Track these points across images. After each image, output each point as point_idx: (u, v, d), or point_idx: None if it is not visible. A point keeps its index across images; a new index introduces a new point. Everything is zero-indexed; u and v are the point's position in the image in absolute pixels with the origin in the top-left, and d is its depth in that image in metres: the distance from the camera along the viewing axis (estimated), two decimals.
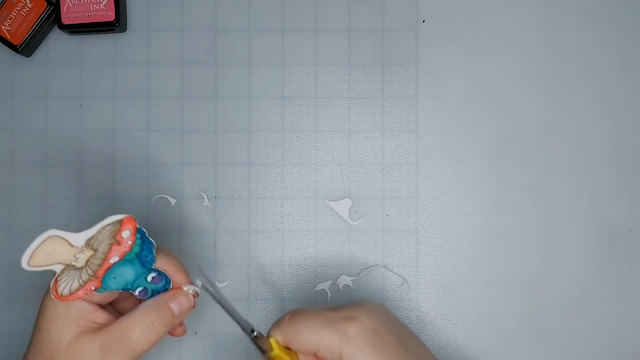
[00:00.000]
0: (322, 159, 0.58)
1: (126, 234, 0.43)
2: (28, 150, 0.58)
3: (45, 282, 0.43)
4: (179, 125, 0.58)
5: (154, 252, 0.44)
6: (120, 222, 0.42)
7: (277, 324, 0.44)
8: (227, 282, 0.57)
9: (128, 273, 0.44)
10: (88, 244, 0.42)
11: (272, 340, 0.43)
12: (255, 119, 0.58)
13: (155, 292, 0.45)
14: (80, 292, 0.43)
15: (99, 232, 0.42)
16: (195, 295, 0.46)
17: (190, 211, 0.57)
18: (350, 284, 0.57)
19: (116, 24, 0.56)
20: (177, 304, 0.44)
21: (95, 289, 0.43)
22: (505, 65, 0.58)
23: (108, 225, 0.42)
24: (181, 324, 0.47)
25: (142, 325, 0.43)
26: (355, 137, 0.58)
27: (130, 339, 0.42)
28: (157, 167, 0.58)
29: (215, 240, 0.57)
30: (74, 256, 0.42)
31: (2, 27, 0.56)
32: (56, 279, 0.42)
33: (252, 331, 0.43)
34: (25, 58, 0.58)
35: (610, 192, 0.58)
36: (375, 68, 0.58)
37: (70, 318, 0.43)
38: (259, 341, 0.43)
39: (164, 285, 0.45)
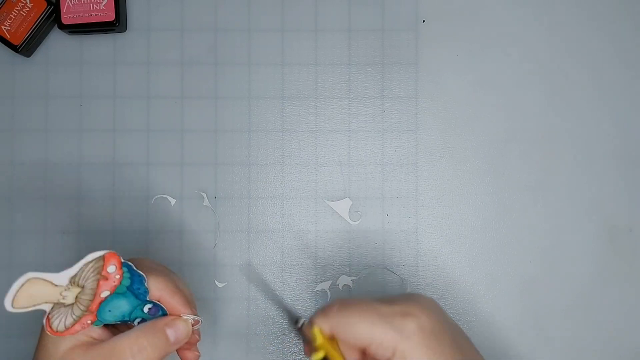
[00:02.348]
0: (322, 159, 0.58)
1: (111, 269, 0.42)
2: (28, 151, 0.58)
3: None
4: (179, 125, 0.58)
5: (145, 284, 0.44)
6: (103, 258, 0.42)
7: (324, 312, 0.42)
8: (227, 282, 0.57)
9: (123, 305, 0.43)
10: (72, 281, 0.41)
11: (316, 330, 0.42)
12: (255, 119, 0.58)
13: None
14: (77, 327, 0.42)
15: (82, 269, 0.41)
16: (195, 323, 0.45)
17: (190, 211, 0.57)
18: (350, 284, 0.57)
19: (116, 24, 0.56)
20: (174, 330, 0.43)
21: (92, 323, 0.43)
22: (505, 65, 0.58)
23: (90, 262, 0.41)
24: (194, 349, 0.46)
25: (133, 349, 0.41)
26: (355, 137, 0.58)
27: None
28: (157, 167, 0.58)
29: (215, 240, 0.57)
30: (61, 294, 0.41)
31: (2, 27, 0.56)
32: (48, 316, 0.41)
33: (297, 322, 0.42)
34: (25, 58, 0.58)
35: (610, 192, 0.58)
36: (375, 68, 0.58)
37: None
38: (303, 331, 0.42)
39: (161, 317, 0.45)
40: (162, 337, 0.42)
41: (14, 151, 0.58)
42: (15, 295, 0.40)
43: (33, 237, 0.57)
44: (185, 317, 0.45)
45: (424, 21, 0.58)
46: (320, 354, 0.41)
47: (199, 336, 0.47)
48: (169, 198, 0.58)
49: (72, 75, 0.58)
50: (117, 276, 0.42)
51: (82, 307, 0.42)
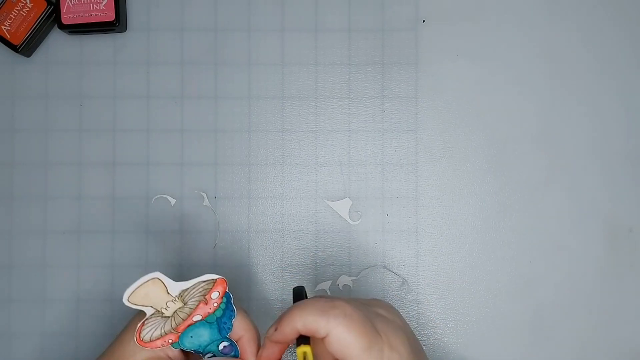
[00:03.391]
0: (322, 159, 0.58)
1: (215, 295, 0.44)
2: (28, 150, 0.58)
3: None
4: (179, 125, 0.58)
5: (232, 321, 0.45)
6: (214, 282, 0.44)
7: (332, 315, 0.42)
8: None
9: (204, 335, 0.45)
10: (181, 295, 0.43)
11: (303, 350, 0.43)
12: (255, 119, 0.58)
13: None
14: (159, 342, 0.44)
15: (194, 286, 0.43)
16: None
17: (190, 211, 0.57)
18: (350, 284, 0.57)
19: (116, 24, 0.56)
20: None
21: (171, 343, 0.45)
22: (505, 65, 0.58)
23: (203, 282, 0.43)
24: None
25: None
26: (355, 137, 0.58)
27: None
28: (157, 167, 0.58)
29: (215, 240, 0.57)
30: (166, 304, 0.43)
31: (2, 27, 0.56)
32: (143, 322, 0.43)
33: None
34: (25, 58, 0.58)
35: (610, 192, 0.58)
36: (375, 68, 0.58)
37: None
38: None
39: (232, 357, 0.46)
40: None
41: (14, 151, 0.58)
42: (135, 290, 0.41)
43: (33, 237, 0.57)
44: None
45: (424, 21, 0.58)
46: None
47: None
48: (169, 198, 0.58)
49: (72, 75, 0.58)
50: (215, 304, 0.44)
51: (173, 324, 0.44)
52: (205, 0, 0.58)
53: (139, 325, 0.43)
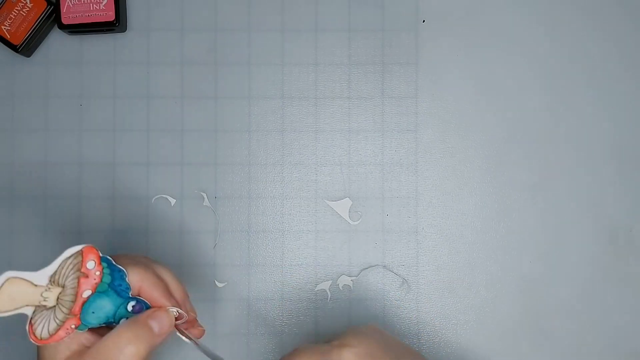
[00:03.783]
0: (322, 159, 0.58)
1: (91, 264, 0.41)
2: (28, 150, 0.58)
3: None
4: (179, 125, 0.58)
5: (126, 279, 0.42)
6: (81, 252, 0.40)
7: None
8: (227, 282, 0.57)
9: (106, 305, 0.42)
10: (52, 280, 0.40)
11: None
12: (255, 119, 0.58)
13: None
14: (61, 332, 0.41)
15: (60, 266, 0.40)
16: (179, 317, 0.44)
17: (190, 211, 0.57)
18: (350, 284, 0.57)
19: (116, 24, 0.56)
20: (157, 321, 0.42)
21: (76, 327, 0.41)
22: (505, 65, 0.58)
23: (68, 258, 0.40)
24: (197, 325, 0.46)
25: (119, 345, 0.40)
26: (355, 137, 0.58)
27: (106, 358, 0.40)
28: (157, 167, 0.58)
29: (215, 240, 0.57)
30: (41, 295, 0.40)
31: (2, 27, 0.56)
32: (30, 322, 0.40)
33: None
34: (25, 58, 0.58)
35: (610, 192, 0.58)
36: (375, 68, 0.58)
37: (59, 342, 0.41)
38: None
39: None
40: (145, 329, 0.41)
41: (14, 151, 0.58)
42: None
43: (33, 237, 0.57)
44: (170, 309, 0.43)
45: (424, 21, 0.58)
46: None
47: (195, 312, 0.46)
48: (169, 198, 0.58)
49: (72, 75, 0.58)
50: (97, 272, 0.41)
51: (64, 310, 0.41)
52: (205, 0, 0.58)
53: (27, 326, 0.40)
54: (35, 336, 0.40)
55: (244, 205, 0.58)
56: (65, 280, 0.40)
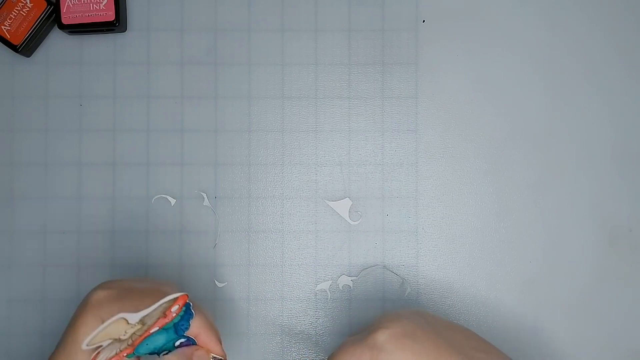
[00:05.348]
0: (322, 159, 0.58)
1: (175, 308, 0.43)
2: (28, 150, 0.58)
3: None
4: (179, 125, 0.58)
5: (190, 322, 0.44)
6: (175, 299, 0.42)
7: None
8: (226, 283, 0.57)
9: (160, 339, 0.44)
10: (141, 320, 0.42)
11: None
12: (255, 119, 0.58)
13: None
14: (115, 358, 0.42)
15: (155, 309, 0.42)
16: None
17: (190, 211, 0.57)
18: (350, 284, 0.57)
19: (116, 24, 0.56)
20: (199, 359, 0.45)
21: (126, 355, 0.43)
22: (505, 65, 0.58)
23: (164, 303, 0.42)
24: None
25: None
26: (355, 137, 0.58)
27: None
28: (157, 167, 0.58)
29: (215, 240, 0.57)
30: (125, 332, 0.42)
31: (2, 27, 0.56)
32: (98, 352, 0.42)
33: None
34: (25, 58, 0.58)
35: (610, 192, 0.57)
36: (375, 68, 0.58)
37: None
38: None
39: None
40: None
41: (14, 151, 0.58)
42: (97, 334, 0.40)
43: (33, 237, 0.57)
44: (212, 357, 0.45)
45: (424, 21, 0.58)
46: None
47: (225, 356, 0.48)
48: (169, 198, 0.58)
49: (72, 75, 0.58)
50: (174, 314, 0.43)
51: (130, 342, 0.42)
52: (205, 0, 0.58)
53: (93, 355, 0.42)
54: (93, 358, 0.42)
55: (244, 205, 0.58)
56: (149, 320, 0.42)
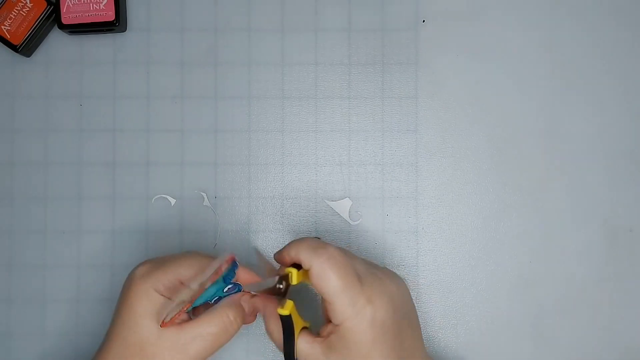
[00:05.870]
0: (322, 159, 0.58)
1: (225, 266, 0.47)
2: (28, 150, 0.58)
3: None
4: (179, 125, 0.58)
5: (235, 271, 0.48)
6: (225, 259, 0.47)
7: (315, 252, 0.45)
8: None
9: (212, 290, 0.47)
10: (200, 283, 0.46)
11: (292, 270, 0.46)
12: (255, 119, 0.58)
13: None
14: (177, 316, 0.46)
15: (209, 270, 0.46)
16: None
17: (190, 211, 0.57)
18: None
19: (116, 24, 0.56)
20: (248, 303, 0.49)
21: (186, 309, 0.46)
22: (505, 65, 0.58)
23: (216, 263, 0.46)
24: (253, 313, 0.51)
25: (222, 320, 0.47)
26: (355, 137, 0.58)
27: (210, 333, 0.47)
28: (157, 167, 0.58)
29: (215, 240, 0.57)
30: (184, 293, 0.46)
31: (2, 27, 0.56)
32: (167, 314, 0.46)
33: (280, 284, 0.47)
34: (25, 58, 0.58)
35: (610, 192, 0.57)
36: (375, 68, 0.58)
37: (157, 313, 0.46)
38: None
39: (235, 292, 0.49)
40: (241, 308, 0.49)
41: (14, 151, 0.58)
42: (172, 309, 0.45)
43: (33, 237, 0.57)
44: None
45: (424, 21, 0.58)
46: (287, 310, 0.46)
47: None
48: (169, 198, 0.58)
49: (72, 75, 0.58)
50: (224, 269, 0.47)
51: (187, 296, 0.46)
52: (205, 0, 0.58)
53: (160, 319, 0.45)
54: (163, 322, 0.46)
55: (244, 205, 0.58)
56: (203, 278, 0.46)
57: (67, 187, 0.57)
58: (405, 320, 0.47)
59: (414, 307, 0.49)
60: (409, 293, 0.48)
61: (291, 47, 0.58)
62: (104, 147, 0.58)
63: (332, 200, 0.58)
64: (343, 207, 0.58)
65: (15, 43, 0.56)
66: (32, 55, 0.58)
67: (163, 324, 0.45)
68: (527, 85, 0.58)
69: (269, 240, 0.57)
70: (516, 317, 0.57)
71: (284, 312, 0.46)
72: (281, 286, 0.47)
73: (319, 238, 0.50)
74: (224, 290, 0.48)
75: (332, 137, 0.58)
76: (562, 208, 0.57)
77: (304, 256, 0.46)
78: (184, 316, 0.48)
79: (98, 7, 0.56)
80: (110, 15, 0.56)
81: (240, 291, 0.49)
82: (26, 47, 0.56)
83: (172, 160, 0.58)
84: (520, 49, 0.58)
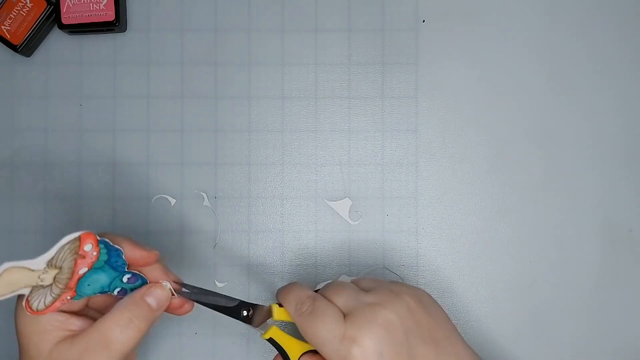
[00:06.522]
0: (322, 159, 0.58)
1: (88, 247, 0.42)
2: (28, 150, 0.58)
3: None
4: (179, 125, 0.58)
5: (122, 256, 0.44)
6: (79, 238, 0.42)
7: (290, 297, 0.45)
8: (227, 282, 0.57)
9: (102, 279, 0.44)
10: (50, 264, 0.42)
11: (274, 306, 0.46)
12: (255, 119, 0.58)
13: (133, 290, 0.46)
14: (57, 303, 0.43)
15: (58, 252, 0.42)
16: (176, 287, 0.46)
17: (190, 211, 0.57)
18: None
19: (116, 24, 0.56)
20: (153, 297, 0.44)
21: (71, 298, 0.43)
22: (505, 65, 0.58)
23: (66, 244, 0.42)
24: (185, 300, 0.47)
25: (120, 324, 0.42)
26: (355, 137, 0.58)
27: (110, 340, 0.42)
28: (157, 167, 0.58)
29: (215, 240, 0.57)
30: (39, 278, 0.42)
31: (2, 27, 0.56)
32: (27, 299, 0.42)
33: (246, 309, 0.46)
34: (25, 58, 0.58)
35: (610, 192, 0.58)
36: (375, 68, 0.58)
37: (44, 332, 0.43)
38: (256, 315, 0.46)
39: (140, 284, 0.46)
40: (144, 306, 0.43)
41: (14, 151, 0.58)
42: None
43: (33, 237, 0.57)
44: (164, 283, 0.46)
45: (424, 21, 0.58)
46: (268, 334, 0.45)
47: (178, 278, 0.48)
48: (169, 198, 0.58)
49: (72, 75, 0.58)
50: (94, 253, 0.43)
51: (60, 286, 0.42)
52: (205, 0, 0.58)
53: (23, 302, 0.42)
54: (32, 309, 0.42)
55: (244, 205, 0.58)
56: (63, 262, 0.42)
57: (67, 187, 0.57)
58: (415, 331, 0.44)
59: (436, 310, 0.46)
60: (425, 300, 0.46)
61: (291, 47, 0.58)
62: (104, 147, 0.58)
63: (332, 200, 0.58)
64: (343, 207, 0.58)
65: (15, 43, 0.56)
66: (32, 55, 0.58)
67: (33, 311, 0.42)
68: (526, 86, 0.58)
69: (269, 240, 0.57)
70: (516, 317, 0.57)
71: (265, 336, 0.46)
72: (246, 313, 0.46)
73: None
74: (124, 280, 0.45)
75: (332, 137, 0.58)
76: (561, 208, 0.57)
77: (289, 310, 0.45)
78: (72, 307, 0.44)
79: (98, 7, 0.56)
80: (110, 15, 0.56)
81: (146, 283, 0.46)
82: (26, 47, 0.56)
83: (172, 160, 0.58)
84: (520, 49, 0.58)
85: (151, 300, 0.44)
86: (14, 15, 0.56)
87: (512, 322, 0.57)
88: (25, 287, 0.42)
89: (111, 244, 0.44)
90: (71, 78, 0.58)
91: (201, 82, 0.58)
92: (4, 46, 0.56)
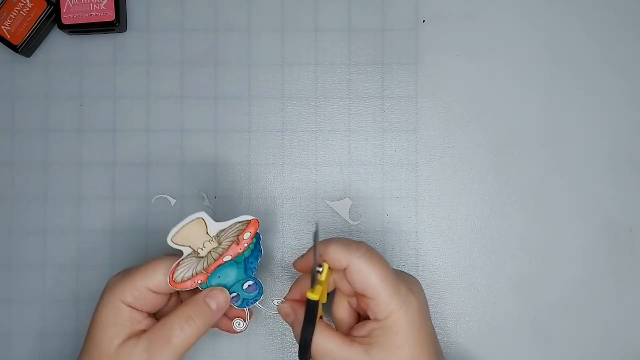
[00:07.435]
0: (322, 159, 0.58)
1: (247, 235, 0.46)
2: (28, 150, 0.58)
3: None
4: (179, 125, 0.58)
5: (259, 260, 0.47)
6: (248, 222, 0.46)
7: (349, 248, 0.45)
8: None
9: (231, 275, 0.47)
10: (218, 235, 0.45)
11: (326, 266, 0.45)
12: (255, 119, 0.58)
13: (245, 301, 0.48)
14: (188, 283, 0.46)
15: (230, 227, 0.45)
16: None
17: (190, 211, 0.57)
18: None
19: (116, 24, 0.56)
20: (214, 299, 0.47)
21: (200, 283, 0.46)
22: (505, 65, 0.58)
23: (239, 222, 0.45)
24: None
25: (181, 321, 0.45)
26: (355, 137, 0.58)
27: (171, 335, 0.45)
28: (157, 167, 0.58)
29: None
30: (203, 244, 0.45)
31: (2, 27, 0.56)
32: (178, 263, 0.45)
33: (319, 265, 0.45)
34: (25, 58, 0.58)
35: (610, 192, 0.58)
36: (375, 68, 0.58)
37: (120, 325, 0.45)
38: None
39: (255, 296, 0.48)
40: (204, 306, 0.46)
41: (14, 151, 0.58)
42: (178, 230, 0.44)
43: (33, 237, 0.57)
44: (275, 302, 0.49)
45: (424, 21, 0.58)
46: (317, 295, 0.44)
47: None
48: (169, 198, 0.58)
49: (72, 75, 0.58)
50: (246, 244, 0.46)
51: (206, 264, 0.46)
52: (205, 0, 0.58)
53: (173, 266, 0.45)
54: (173, 278, 0.45)
55: (244, 205, 0.58)
56: (225, 239, 0.45)
57: (67, 187, 0.57)
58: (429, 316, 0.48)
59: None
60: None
61: (291, 47, 0.58)
62: (104, 147, 0.58)
63: (332, 200, 0.58)
64: (343, 207, 0.58)
65: (15, 43, 0.56)
66: (32, 55, 0.58)
67: (172, 281, 0.45)
68: (527, 85, 0.58)
69: (269, 240, 0.57)
70: (516, 317, 0.57)
71: (314, 296, 0.43)
72: (320, 269, 0.44)
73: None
74: (244, 287, 0.47)
75: (332, 137, 0.58)
76: (562, 208, 0.57)
77: (339, 255, 0.44)
78: (148, 322, 0.46)
79: (98, 7, 0.56)
80: (110, 15, 0.56)
81: (259, 298, 0.48)
82: (26, 47, 0.56)
83: (172, 160, 0.58)
84: (520, 48, 0.58)
85: (211, 302, 0.47)
86: (14, 15, 0.56)
87: (511, 322, 0.57)
88: (190, 247, 0.45)
89: (261, 241, 0.47)
90: (71, 78, 0.58)
91: (201, 82, 0.58)
92: (4, 46, 0.56)
